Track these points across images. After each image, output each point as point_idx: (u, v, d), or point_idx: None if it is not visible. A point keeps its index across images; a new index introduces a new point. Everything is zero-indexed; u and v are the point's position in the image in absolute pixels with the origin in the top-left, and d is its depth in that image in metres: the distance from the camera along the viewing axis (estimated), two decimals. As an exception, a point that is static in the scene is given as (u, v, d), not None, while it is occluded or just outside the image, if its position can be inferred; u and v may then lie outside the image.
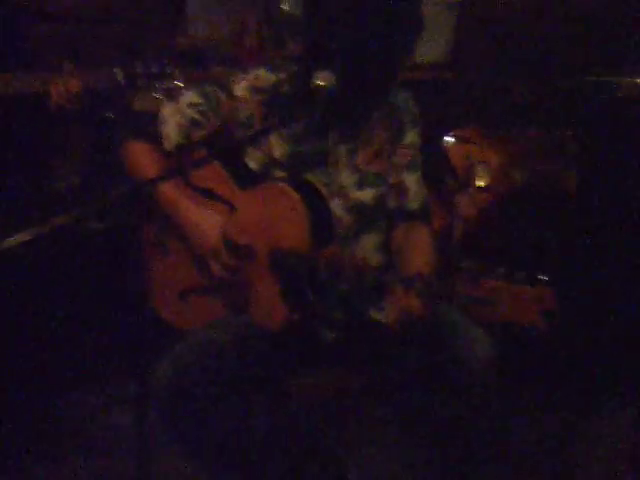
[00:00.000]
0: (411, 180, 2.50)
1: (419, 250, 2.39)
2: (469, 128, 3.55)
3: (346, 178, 2.43)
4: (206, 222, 2.36)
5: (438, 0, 4.07)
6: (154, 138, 2.46)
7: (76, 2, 3.98)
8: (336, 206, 2.39)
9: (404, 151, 2.50)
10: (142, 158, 2.44)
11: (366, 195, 2.45)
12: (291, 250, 2.24)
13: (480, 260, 1.93)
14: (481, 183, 3.39)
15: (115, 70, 2.71)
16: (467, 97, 4.05)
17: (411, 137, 2.51)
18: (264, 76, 2.44)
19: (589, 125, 3.55)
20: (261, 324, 2.32)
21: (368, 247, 2.46)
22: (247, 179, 2.41)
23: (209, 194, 2.40)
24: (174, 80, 2.70)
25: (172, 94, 2.61)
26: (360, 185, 2.44)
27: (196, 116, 2.43)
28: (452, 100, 3.97)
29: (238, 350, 2.29)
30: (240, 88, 2.43)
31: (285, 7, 4.32)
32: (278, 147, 2.41)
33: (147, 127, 2.47)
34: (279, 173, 2.41)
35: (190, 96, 2.45)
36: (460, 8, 4.12)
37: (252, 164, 2.44)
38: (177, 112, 2.45)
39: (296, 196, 2.26)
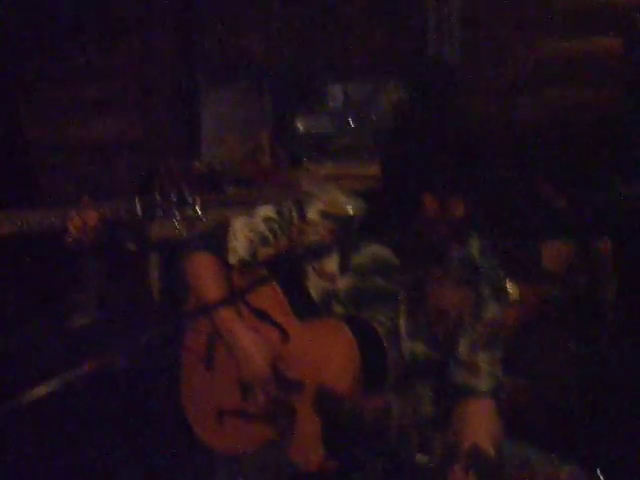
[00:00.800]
0: (485, 360, 2.29)
1: (482, 424, 2.21)
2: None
3: (403, 325, 2.30)
4: (257, 348, 2.26)
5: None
6: (220, 250, 2.38)
7: (90, 133, 3.99)
8: (394, 351, 2.26)
9: (481, 329, 2.29)
10: (206, 272, 2.37)
11: (418, 348, 2.30)
12: (337, 393, 2.14)
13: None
14: (514, 296, 3.29)
15: (134, 200, 2.66)
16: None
17: (492, 311, 2.31)
18: (339, 202, 2.34)
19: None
20: (296, 462, 2.21)
21: (422, 398, 2.32)
22: (305, 308, 2.31)
23: (263, 316, 2.31)
24: (194, 206, 2.65)
25: (192, 223, 2.55)
26: (413, 336, 2.30)
27: (266, 233, 2.35)
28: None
29: None
30: (313, 211, 2.35)
31: (300, 126, 4.34)
32: (341, 279, 2.31)
33: (214, 239, 2.41)
34: (338, 308, 2.31)
35: (265, 210, 2.38)
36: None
37: (313, 293, 2.34)
38: (249, 226, 2.38)
39: (351, 337, 2.16)
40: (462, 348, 2.30)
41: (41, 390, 1.59)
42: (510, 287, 3.31)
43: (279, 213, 2.37)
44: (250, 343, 2.27)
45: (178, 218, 2.63)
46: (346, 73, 4.42)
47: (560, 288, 3.35)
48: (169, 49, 4.13)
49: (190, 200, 2.61)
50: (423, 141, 2.15)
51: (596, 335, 3.43)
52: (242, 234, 2.38)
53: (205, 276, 2.37)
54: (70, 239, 2.67)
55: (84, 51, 3.99)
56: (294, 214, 2.35)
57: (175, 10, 4.18)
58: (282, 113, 4.42)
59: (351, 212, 2.10)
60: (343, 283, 2.29)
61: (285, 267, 2.38)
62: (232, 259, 2.38)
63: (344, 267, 2.13)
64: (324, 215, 2.34)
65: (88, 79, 4.01)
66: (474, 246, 2.32)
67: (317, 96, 4.51)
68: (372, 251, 2.27)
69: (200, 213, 2.58)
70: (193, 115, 4.25)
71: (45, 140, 3.93)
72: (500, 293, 2.33)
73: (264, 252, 2.36)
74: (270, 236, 2.35)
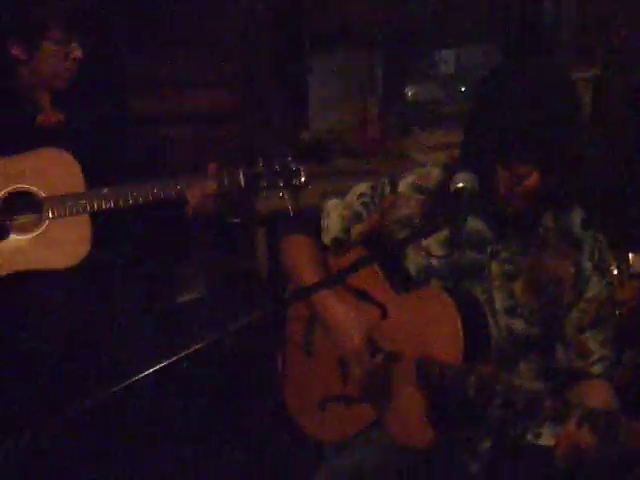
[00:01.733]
0: (595, 341, 2.17)
1: (598, 400, 2.05)
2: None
3: (499, 301, 2.19)
4: (353, 323, 2.20)
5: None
6: (314, 232, 2.36)
7: (200, 104, 3.96)
8: (493, 326, 2.17)
9: (585, 306, 2.17)
10: (300, 254, 2.34)
11: (516, 324, 2.19)
12: (440, 360, 2.06)
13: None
14: (636, 269, 3.12)
15: (237, 172, 2.60)
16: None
17: (595, 289, 2.17)
18: (433, 175, 2.28)
19: None
20: (402, 440, 2.15)
21: (526, 374, 2.20)
22: (404, 284, 2.25)
23: (362, 295, 2.26)
24: (300, 177, 2.58)
25: (298, 192, 2.49)
26: (511, 313, 2.19)
27: (359, 208, 2.31)
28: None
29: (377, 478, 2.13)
30: (404, 184, 2.29)
31: (410, 93, 4.23)
32: (436, 254, 2.23)
33: (308, 220, 2.38)
34: (436, 282, 2.23)
35: (361, 186, 2.34)
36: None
37: (411, 268, 2.27)
38: (342, 204, 2.34)
39: (450, 301, 2.08)
40: (568, 327, 2.18)
41: (145, 367, 1.59)
42: (632, 259, 3.15)
43: (373, 188, 2.31)
44: (346, 318, 2.21)
45: (282, 188, 2.58)
46: (457, 38, 4.29)
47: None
48: (273, 16, 4.05)
49: (294, 169, 2.55)
50: (502, 110, 2.03)
51: None
52: (335, 212, 2.34)
53: (300, 259, 2.33)
54: (190, 210, 2.64)
55: (185, 23, 3.95)
56: (387, 188, 2.29)
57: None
58: (391, 80, 4.31)
59: (460, 185, 1.98)
60: (441, 259, 2.21)
61: (382, 244, 2.30)
62: (326, 239, 2.35)
63: (455, 244, 2.01)
64: (415, 188, 2.27)
65: (192, 52, 3.97)
66: (575, 219, 2.20)
67: (427, 62, 4.38)
68: (469, 224, 2.18)
69: (304, 181, 2.52)
70: (300, 84, 4.17)
71: (151, 113, 3.92)
72: (604, 269, 2.19)
73: (358, 229, 2.31)
74: (363, 211, 2.30)
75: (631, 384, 3.05)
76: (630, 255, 3.15)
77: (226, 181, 2.63)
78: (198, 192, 2.62)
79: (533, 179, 2.03)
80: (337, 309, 2.23)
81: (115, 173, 2.77)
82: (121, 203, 2.65)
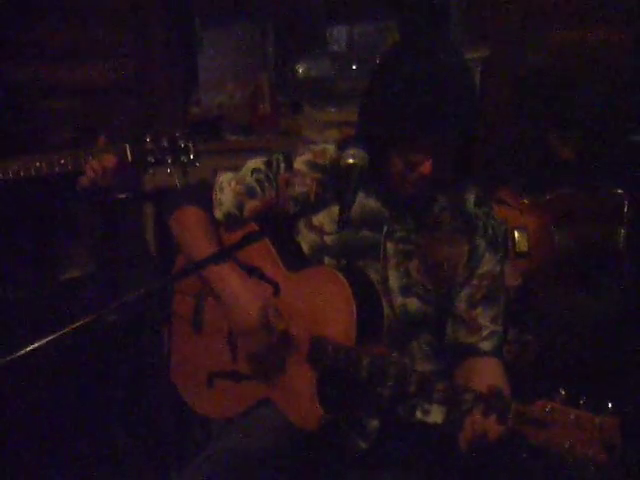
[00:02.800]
0: (485, 317, 2.18)
1: (487, 381, 2.00)
2: (503, 189, 3.32)
3: (394, 280, 2.19)
4: (248, 297, 2.18)
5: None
6: (207, 205, 2.32)
7: (86, 76, 3.85)
8: (386, 305, 2.16)
9: (477, 282, 2.18)
10: (193, 227, 2.31)
11: (411, 304, 2.19)
12: (333, 340, 2.05)
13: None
14: (521, 249, 3.18)
15: (124, 147, 2.53)
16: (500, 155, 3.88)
17: (488, 265, 2.18)
18: (328, 152, 2.25)
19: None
20: (291, 419, 2.13)
21: (418, 354, 2.21)
22: (297, 261, 2.23)
23: (254, 271, 2.23)
24: (189, 154, 2.52)
25: (187, 169, 2.44)
26: (406, 292, 2.18)
27: (253, 184, 2.27)
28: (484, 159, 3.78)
29: (263, 459, 2.11)
30: (300, 161, 2.26)
31: (300, 70, 4.20)
32: (329, 231, 2.22)
33: (201, 194, 2.34)
34: (329, 261, 2.22)
35: (254, 162, 2.31)
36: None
37: (305, 247, 2.26)
38: (236, 178, 2.31)
39: (344, 281, 2.07)
40: (459, 303, 2.19)
41: (32, 343, 1.57)
42: (518, 238, 3.21)
43: (267, 164, 2.28)
44: (242, 293, 2.18)
45: (171, 164, 2.52)
46: (349, 14, 4.27)
47: (570, 239, 3.25)
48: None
49: (183, 145, 2.50)
50: (397, 96, 1.99)
51: (607, 288, 3.33)
52: (229, 186, 2.30)
53: (192, 232, 2.30)
54: (85, 182, 2.56)
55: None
56: (282, 165, 2.26)
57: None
58: (283, 56, 4.27)
59: (350, 161, 1.96)
60: (333, 236, 2.20)
61: (275, 221, 2.27)
62: (218, 213, 2.31)
63: (344, 221, 1.95)
64: (311, 165, 2.24)
65: (81, 22, 3.86)
66: (469, 197, 2.21)
67: (318, 39, 4.35)
68: (362, 203, 2.16)
69: (193, 158, 2.47)
70: (190, 59, 4.10)
71: (37, 84, 3.80)
72: (497, 245, 2.20)
73: (251, 205, 2.28)
74: (257, 187, 2.27)
75: (515, 362, 3.12)
76: (515, 234, 3.21)
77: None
78: (97, 165, 2.54)
79: (426, 167, 2.02)
80: (233, 284, 2.20)
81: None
82: (10, 175, 2.56)
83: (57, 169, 2.57)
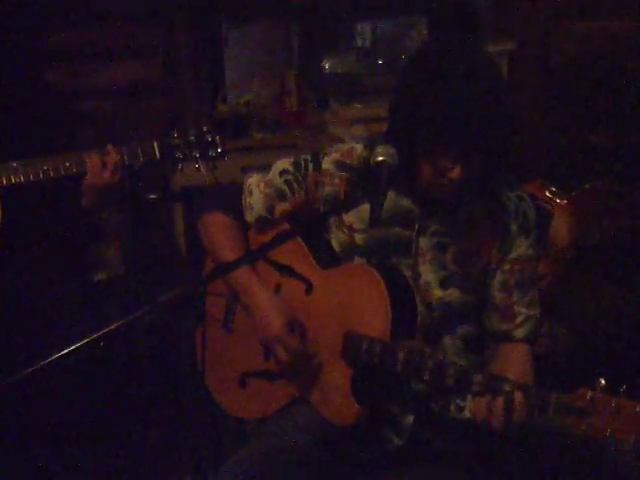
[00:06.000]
0: (520, 304, 2.18)
1: (518, 368, 2.09)
2: (535, 183, 3.27)
3: (429, 274, 2.17)
4: (273, 307, 2.19)
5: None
6: (236, 210, 2.32)
7: (116, 77, 3.87)
8: (419, 302, 2.14)
9: (510, 267, 2.17)
10: (221, 233, 2.32)
11: (451, 295, 2.17)
12: (368, 335, 2.04)
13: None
14: (552, 241, 3.14)
15: (152, 143, 2.54)
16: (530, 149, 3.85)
17: (520, 250, 2.17)
18: (356, 151, 2.24)
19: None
20: (326, 415, 2.13)
21: (449, 350, 2.20)
22: (330, 259, 2.24)
23: (287, 270, 2.25)
24: (216, 147, 2.53)
25: (215, 164, 2.45)
26: (445, 285, 2.17)
27: (283, 187, 2.27)
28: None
29: (297, 457, 2.11)
30: (328, 161, 2.25)
31: (327, 66, 4.19)
32: (359, 230, 2.21)
33: (229, 198, 2.35)
34: (360, 259, 2.20)
35: (282, 163, 2.30)
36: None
37: (335, 245, 2.26)
38: (265, 181, 2.30)
39: (378, 277, 2.06)
40: (493, 291, 2.18)
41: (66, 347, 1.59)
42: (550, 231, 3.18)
43: (295, 165, 2.27)
44: (266, 302, 2.20)
45: (199, 159, 2.53)
46: (375, 10, 4.26)
47: (603, 231, 3.21)
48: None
49: (210, 139, 2.50)
50: (427, 101, 1.96)
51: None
52: (257, 189, 2.30)
53: (219, 238, 2.31)
54: (90, 180, 2.57)
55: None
56: (310, 165, 2.25)
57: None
58: (308, 53, 4.27)
59: (380, 159, 1.96)
60: (364, 235, 2.19)
61: (307, 220, 2.27)
62: (249, 217, 2.31)
63: (375, 219, 1.94)
64: (339, 165, 2.23)
65: (109, 23, 3.87)
66: (500, 182, 2.20)
67: (344, 35, 4.33)
68: (392, 200, 2.15)
69: (221, 152, 2.48)
70: (216, 57, 4.10)
71: (66, 85, 3.82)
72: (529, 229, 2.18)
73: (281, 207, 2.28)
74: (286, 189, 2.27)
75: (548, 355, 3.10)
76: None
77: (141, 155, 2.57)
78: (97, 161, 2.55)
79: (456, 172, 2.00)
80: (258, 295, 2.21)
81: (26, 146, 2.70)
82: (31, 177, 2.58)
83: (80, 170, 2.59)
